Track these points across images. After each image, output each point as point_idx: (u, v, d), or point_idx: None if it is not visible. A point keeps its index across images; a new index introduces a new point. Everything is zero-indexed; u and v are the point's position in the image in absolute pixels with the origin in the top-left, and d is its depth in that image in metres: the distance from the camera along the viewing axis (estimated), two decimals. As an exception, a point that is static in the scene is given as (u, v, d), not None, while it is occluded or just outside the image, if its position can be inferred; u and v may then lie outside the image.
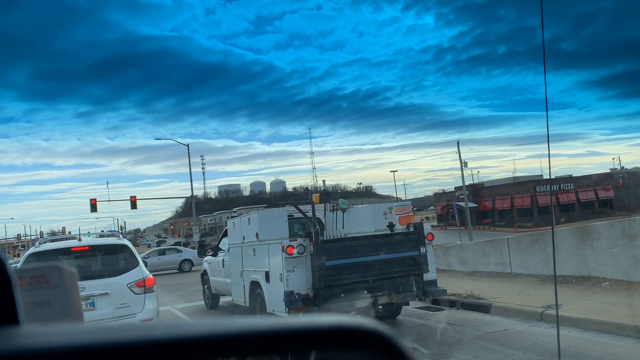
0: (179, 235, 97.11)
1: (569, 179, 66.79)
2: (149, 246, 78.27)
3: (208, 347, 0.53)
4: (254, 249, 9.73)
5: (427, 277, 8.85)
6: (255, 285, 9.62)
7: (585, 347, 6.82)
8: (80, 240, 9.17)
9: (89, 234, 14.24)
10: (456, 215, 50.63)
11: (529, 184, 63.14)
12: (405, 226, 9.40)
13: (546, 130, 4.00)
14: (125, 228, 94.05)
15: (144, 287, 8.11)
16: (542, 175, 70.13)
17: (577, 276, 10.97)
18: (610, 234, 10.68)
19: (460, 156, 49.87)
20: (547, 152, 4.01)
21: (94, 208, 39.01)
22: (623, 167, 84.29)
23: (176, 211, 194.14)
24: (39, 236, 61.36)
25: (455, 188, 70.57)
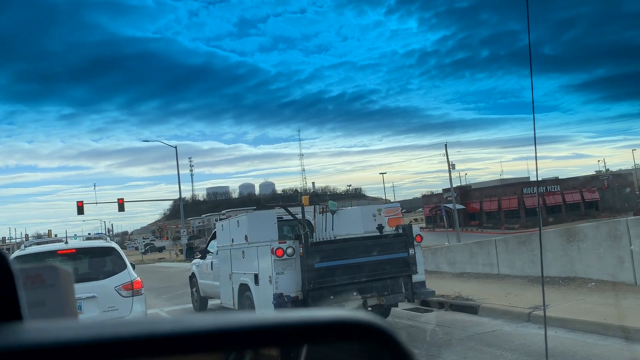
0: (167, 238, 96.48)
1: (555, 181, 67.47)
2: (137, 249, 77.64)
3: (211, 341, 0.54)
4: (242, 252, 9.70)
5: (416, 278, 8.88)
6: (244, 287, 9.59)
7: (571, 347, 6.89)
8: (67, 243, 9.07)
9: (75, 236, 14.09)
10: (444, 217, 50.86)
11: (516, 186, 63.67)
12: (394, 228, 9.42)
13: (532, 132, 4.05)
14: (112, 231, 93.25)
15: (131, 290, 8.05)
16: (528, 177, 70.83)
17: (563, 277, 11.08)
18: (596, 235, 10.81)
19: (448, 158, 50.19)
20: (534, 154, 4.06)
21: (80, 210, 38.68)
22: (608, 170, 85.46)
23: (164, 213, 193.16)
24: (24, 239, 60.58)
25: (443, 190, 70.92)
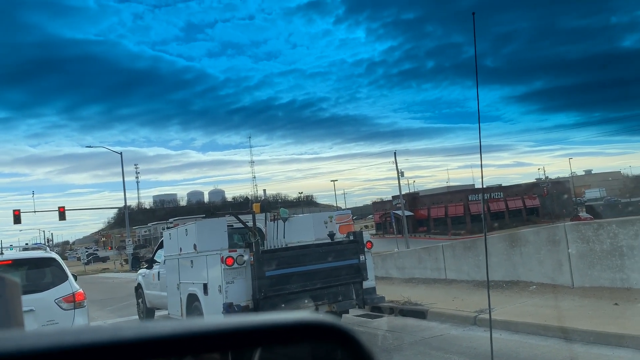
0: (111, 248, 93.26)
1: (498, 188, 70.14)
2: (79, 259, 74.57)
3: (177, 345, 0.54)
4: (191, 261, 9.49)
5: (366, 284, 8.96)
6: (192, 298, 9.37)
7: (514, 349, 7.14)
8: (2, 254, 8.59)
9: (11, 247, 13.36)
10: (393, 224, 51.78)
11: (462, 193, 65.73)
12: (345, 235, 9.49)
13: (477, 141, 4.18)
14: (52, 240, 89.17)
15: (73, 302, 7.72)
16: (474, 184, 73.29)
17: (507, 281, 11.49)
18: (537, 240, 11.27)
19: (397, 166, 51.21)
20: (479, 162, 4.19)
21: (17, 219, 36.74)
22: (547, 177, 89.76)
23: (108, 222, 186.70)
24: (-46, 250, 56.89)
25: (393, 197, 72.24)
